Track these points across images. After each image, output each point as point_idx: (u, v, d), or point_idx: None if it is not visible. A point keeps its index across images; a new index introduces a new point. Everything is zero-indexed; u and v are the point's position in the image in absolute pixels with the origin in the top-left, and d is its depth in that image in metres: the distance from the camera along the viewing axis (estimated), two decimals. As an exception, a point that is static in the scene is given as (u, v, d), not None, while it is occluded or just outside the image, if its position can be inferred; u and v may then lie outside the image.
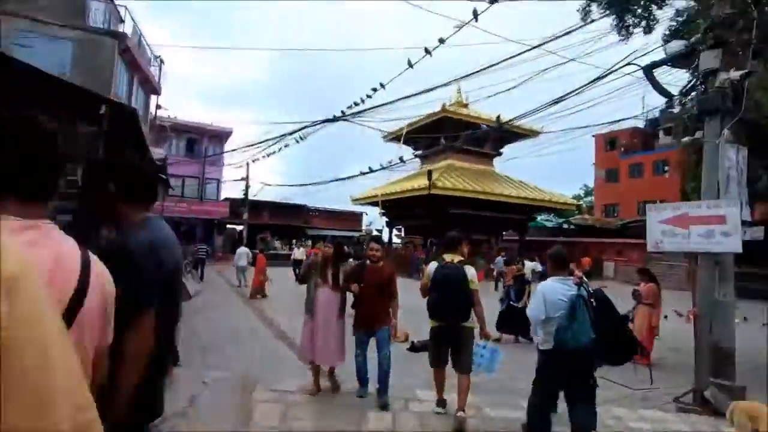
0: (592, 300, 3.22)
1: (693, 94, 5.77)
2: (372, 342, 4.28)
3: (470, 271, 3.78)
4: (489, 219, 25.13)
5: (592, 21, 7.60)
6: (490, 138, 26.93)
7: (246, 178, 22.00)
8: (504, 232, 28.06)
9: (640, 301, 6.66)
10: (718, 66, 4.47)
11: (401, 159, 9.62)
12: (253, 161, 19.98)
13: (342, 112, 9.69)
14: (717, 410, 4.16)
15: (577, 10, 10.63)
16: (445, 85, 7.41)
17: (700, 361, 4.49)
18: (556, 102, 6.73)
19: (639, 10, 11.49)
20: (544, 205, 25.48)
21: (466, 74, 7.14)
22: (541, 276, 19.66)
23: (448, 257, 3.91)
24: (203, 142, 23.46)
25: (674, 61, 5.64)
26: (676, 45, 5.35)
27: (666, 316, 7.15)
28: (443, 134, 23.96)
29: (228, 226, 28.73)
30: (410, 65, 8.77)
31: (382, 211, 29.31)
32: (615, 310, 3.38)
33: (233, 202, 24.80)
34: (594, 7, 10.90)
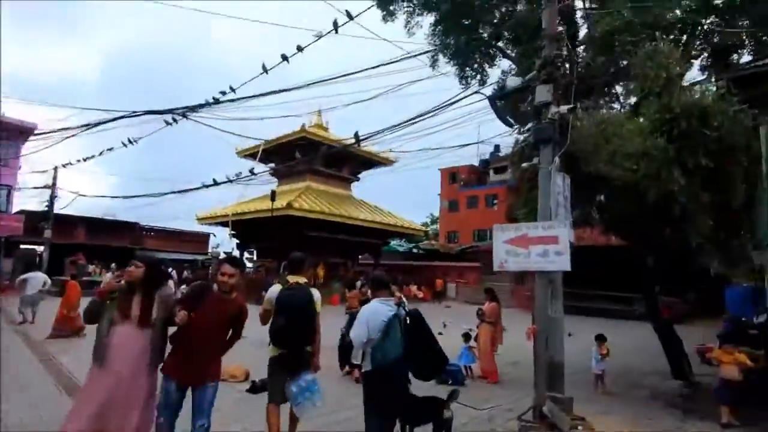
0: (406, 318, 3.36)
1: (529, 125, 6.39)
2: (187, 403, 3.17)
3: (316, 294, 3.67)
4: (345, 242, 25.14)
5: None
6: (349, 162, 27.36)
7: (52, 186, 17.57)
8: (360, 256, 28.44)
9: (483, 320, 6.95)
10: (550, 99, 4.92)
11: (251, 171, 8.63)
12: (64, 166, 16.06)
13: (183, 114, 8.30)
14: (554, 425, 4.28)
15: (428, 57, 11.94)
16: (299, 88, 6.86)
17: (539, 376, 4.66)
18: (410, 122, 6.83)
19: (475, 65, 13.64)
20: (397, 230, 26.72)
21: (322, 79, 6.73)
22: None
23: (292, 279, 3.71)
24: (-11, 138, 18.00)
25: (512, 94, 6.15)
26: (514, 81, 5.84)
27: (505, 329, 7.60)
28: (302, 154, 23.39)
29: (23, 246, 22.73)
30: (265, 71, 8.01)
31: (233, 232, 26.91)
32: (426, 327, 3.49)
33: (31, 216, 19.58)
34: (441, 57, 12.77)
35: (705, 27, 7.54)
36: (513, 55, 11.16)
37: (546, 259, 4.71)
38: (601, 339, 6.88)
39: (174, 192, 11.71)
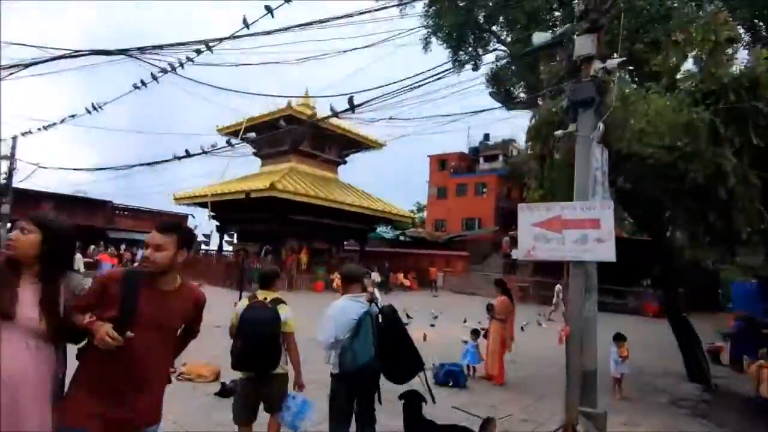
0: (379, 316, 3.14)
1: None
2: None
3: (285, 312, 3.17)
4: (331, 227, 24.14)
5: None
6: (335, 143, 26.19)
7: (11, 157, 15.98)
8: (345, 242, 27.49)
9: (494, 316, 6.13)
10: (593, 52, 4.02)
11: (229, 143, 7.56)
12: (24, 135, 14.52)
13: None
14: (591, 449, 3.48)
15: (420, 40, 11.85)
16: (283, 29, 5.77)
17: (571, 388, 3.84)
18: (409, 87, 5.85)
19: (469, 49, 12.90)
20: (384, 216, 25.78)
21: (306, 22, 5.66)
22: (380, 286, 19.66)
23: (260, 295, 3.29)
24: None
25: (538, 51, 5.26)
26: (542, 36, 4.91)
27: (522, 328, 6.79)
28: (287, 133, 22.08)
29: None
30: (246, 24, 6.88)
31: (212, 213, 25.59)
32: (401, 325, 3.34)
33: (-12, 190, 17.96)
34: (434, 39, 11.57)
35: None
36: (508, 40, 10.84)
37: (583, 247, 3.85)
38: (620, 339, 6.14)
39: (143, 164, 10.44)
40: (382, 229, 32.84)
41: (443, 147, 43.22)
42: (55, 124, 13.00)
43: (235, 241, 22.77)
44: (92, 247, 19.46)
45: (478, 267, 27.11)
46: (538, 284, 20.32)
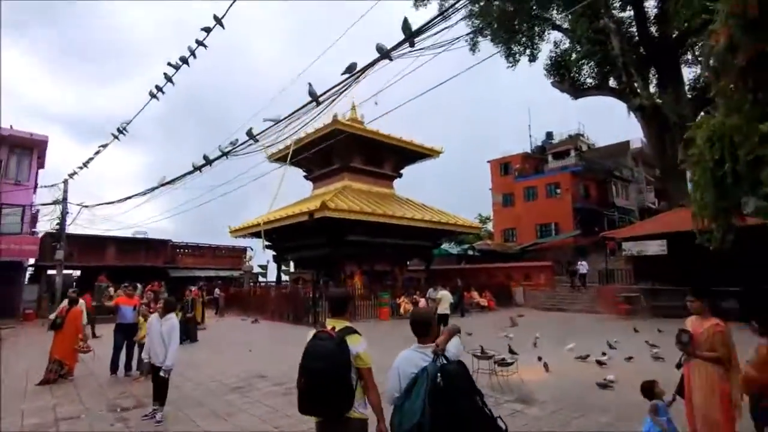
0: (437, 375, 2.28)
1: None
2: None
3: (355, 344, 2.58)
4: (391, 246, 21.99)
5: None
6: (389, 156, 24.31)
7: (63, 201, 15.65)
8: (408, 262, 25.15)
9: (692, 352, 3.43)
10: None
11: (250, 134, 5.77)
12: (71, 176, 13.97)
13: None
14: None
15: (466, 41, 11.20)
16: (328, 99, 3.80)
17: None
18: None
19: (523, 39, 12.00)
20: (450, 229, 23.16)
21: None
22: (453, 308, 17.05)
23: (330, 323, 2.71)
24: None
25: None
26: None
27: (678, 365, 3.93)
28: (336, 150, 20.56)
29: (51, 272, 21.32)
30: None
31: (267, 243, 24.51)
32: (463, 391, 2.30)
33: (51, 237, 17.92)
34: (481, 38, 11.45)
35: None
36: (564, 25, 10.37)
37: None
38: None
39: (164, 185, 9.05)
40: (446, 246, 30.21)
41: (497, 151, 40.10)
42: (98, 154, 12.23)
43: (292, 269, 21.29)
44: (105, 286, 17.00)
45: (565, 278, 23.47)
46: (652, 293, 16.50)
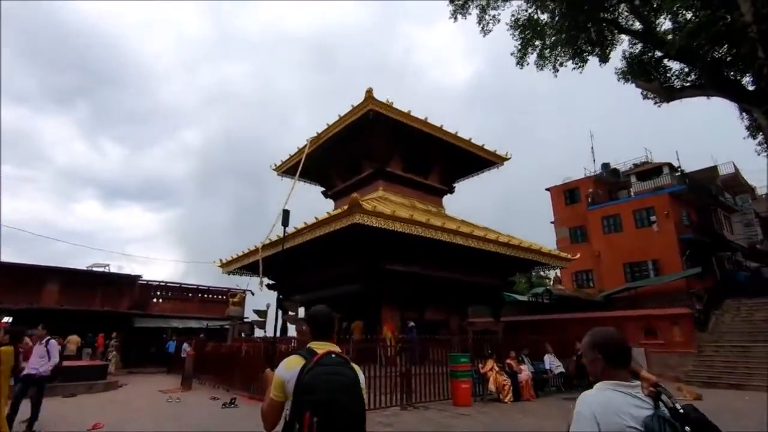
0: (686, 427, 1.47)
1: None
2: None
3: (360, 373, 1.97)
4: (449, 285, 14.83)
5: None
6: (439, 162, 17.85)
7: None
8: (469, 307, 17.71)
9: None
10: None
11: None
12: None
13: None
14: None
15: (512, 54, 10.22)
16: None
17: None
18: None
19: (593, 29, 9.72)
20: (533, 258, 15.94)
21: None
22: (566, 379, 10.07)
23: (319, 347, 1.97)
24: None
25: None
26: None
27: None
28: (371, 143, 14.25)
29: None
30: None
31: (269, 282, 17.54)
32: None
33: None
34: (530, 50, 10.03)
35: None
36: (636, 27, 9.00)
37: None
38: None
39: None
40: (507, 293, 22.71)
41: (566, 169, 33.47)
42: None
43: (302, 314, 14.19)
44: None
45: (706, 335, 15.66)
46: None
